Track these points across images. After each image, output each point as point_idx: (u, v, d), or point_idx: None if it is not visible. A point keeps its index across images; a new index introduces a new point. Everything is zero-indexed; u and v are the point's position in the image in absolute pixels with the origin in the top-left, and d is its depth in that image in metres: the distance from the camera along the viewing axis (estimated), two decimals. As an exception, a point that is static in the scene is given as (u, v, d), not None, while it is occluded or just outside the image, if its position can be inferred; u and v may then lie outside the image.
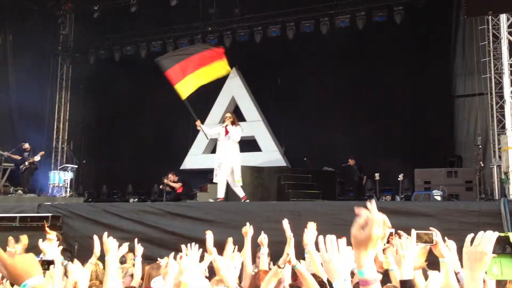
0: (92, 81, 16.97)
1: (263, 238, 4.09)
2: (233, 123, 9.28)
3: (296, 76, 14.63)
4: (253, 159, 13.96)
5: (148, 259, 5.51)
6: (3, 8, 15.48)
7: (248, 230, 4.27)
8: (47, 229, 4.74)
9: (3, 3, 15.41)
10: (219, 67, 9.68)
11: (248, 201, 9.22)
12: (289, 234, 3.82)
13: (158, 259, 4.34)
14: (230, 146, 9.27)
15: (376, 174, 11.10)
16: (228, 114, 9.53)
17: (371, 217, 1.59)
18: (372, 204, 1.60)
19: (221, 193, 9.30)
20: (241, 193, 9.25)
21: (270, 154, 14.64)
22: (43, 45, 16.85)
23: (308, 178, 10.59)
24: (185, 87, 9.47)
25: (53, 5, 16.92)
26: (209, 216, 8.13)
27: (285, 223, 4.04)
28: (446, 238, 3.19)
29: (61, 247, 5.97)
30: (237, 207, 8.47)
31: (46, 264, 3.18)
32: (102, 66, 16.84)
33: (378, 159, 11.89)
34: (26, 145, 12.41)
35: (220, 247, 4.42)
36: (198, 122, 9.53)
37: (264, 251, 4.14)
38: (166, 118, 15.88)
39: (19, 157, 12.36)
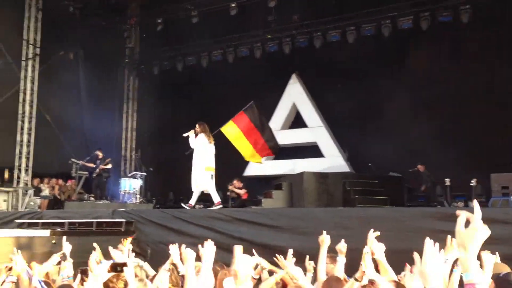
0: (157, 91, 17.55)
1: (342, 246, 4.06)
2: (196, 133, 9.69)
3: (357, 80, 14.45)
4: (316, 165, 13.92)
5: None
6: (74, 25, 16.38)
7: (324, 238, 4.22)
8: (122, 240, 4.92)
9: (73, 21, 16.31)
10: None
11: (220, 206, 9.62)
12: (367, 248, 3.76)
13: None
14: (194, 154, 9.71)
15: (446, 179, 10.71)
16: (197, 125, 9.83)
17: (475, 215, 1.58)
18: (475, 206, 1.59)
19: (191, 200, 9.82)
20: (215, 198, 9.67)
21: (333, 160, 14.52)
22: (111, 58, 17.65)
23: (374, 183, 10.39)
24: (231, 132, 10.57)
25: (119, 20, 17.72)
26: (276, 222, 8.15)
27: (371, 235, 3.87)
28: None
29: (133, 253, 6.24)
30: (304, 213, 8.46)
31: (118, 267, 3.37)
32: (165, 76, 17.41)
33: (448, 163, 11.46)
34: (99, 153, 13.02)
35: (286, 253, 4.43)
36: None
37: (341, 259, 4.11)
38: (228, 125, 16.15)
39: (94, 165, 12.98)
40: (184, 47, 16.99)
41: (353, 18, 14.18)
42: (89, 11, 16.57)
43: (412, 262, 3.79)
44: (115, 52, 17.91)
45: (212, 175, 9.68)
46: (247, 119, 10.61)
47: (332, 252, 4.33)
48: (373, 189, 10.22)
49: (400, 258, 3.96)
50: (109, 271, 3.48)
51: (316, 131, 15.21)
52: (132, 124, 18.47)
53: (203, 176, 9.58)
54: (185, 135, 9.80)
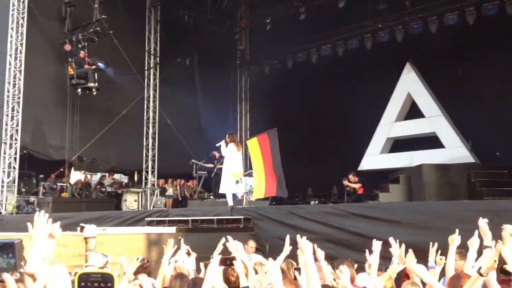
0: (268, 90, 17.88)
1: (475, 241, 3.82)
2: (227, 143, 10.53)
3: (479, 65, 13.41)
4: (435, 156, 13.17)
5: (335, 259, 5.52)
6: (189, 33, 17.35)
7: (455, 238, 4.01)
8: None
9: (188, 29, 17.28)
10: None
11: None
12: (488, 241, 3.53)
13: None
14: (225, 161, 10.70)
15: None
16: (227, 135, 10.85)
17: None
18: None
19: (228, 201, 10.54)
20: (230, 201, 10.42)
21: (454, 150, 13.62)
22: (223, 61, 18.39)
23: (503, 174, 9.60)
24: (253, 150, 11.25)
25: (230, 23, 18.38)
26: (395, 216, 7.89)
27: (483, 223, 3.68)
28: None
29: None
30: (424, 207, 8.09)
31: (228, 261, 3.58)
32: (276, 75, 17.66)
33: None
34: (215, 154, 13.64)
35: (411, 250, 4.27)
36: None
37: (472, 254, 3.87)
38: (340, 119, 15.96)
39: (211, 165, 13.64)
40: (293, 44, 17.10)
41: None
42: (202, 18, 17.42)
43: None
44: (227, 55, 18.63)
45: (237, 181, 10.69)
46: (268, 145, 10.86)
47: (460, 248, 4.12)
48: (502, 180, 9.43)
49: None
50: (219, 265, 3.67)
51: (434, 120, 14.37)
52: (246, 123, 19.04)
53: (229, 181, 10.49)
54: (217, 144, 10.88)
